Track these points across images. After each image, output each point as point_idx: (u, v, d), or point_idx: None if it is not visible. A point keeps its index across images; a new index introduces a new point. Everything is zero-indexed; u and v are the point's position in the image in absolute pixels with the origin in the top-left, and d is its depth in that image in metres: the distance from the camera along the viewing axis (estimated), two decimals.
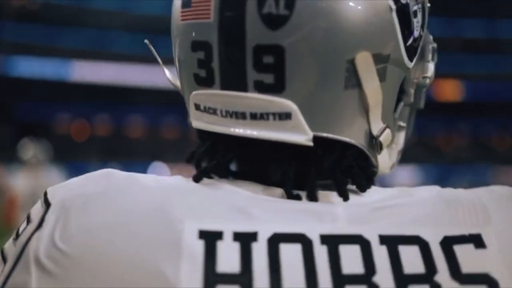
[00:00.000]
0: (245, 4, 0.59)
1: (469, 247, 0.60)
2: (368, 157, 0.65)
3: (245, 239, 0.57)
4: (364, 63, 0.61)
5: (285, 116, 0.60)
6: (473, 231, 0.61)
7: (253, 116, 0.61)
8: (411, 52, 0.66)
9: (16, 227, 0.67)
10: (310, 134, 0.60)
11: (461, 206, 0.63)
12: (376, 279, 0.57)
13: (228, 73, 0.61)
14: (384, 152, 0.67)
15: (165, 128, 25.27)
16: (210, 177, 0.63)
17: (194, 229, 0.57)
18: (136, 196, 0.60)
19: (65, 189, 0.63)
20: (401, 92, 0.68)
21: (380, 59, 0.62)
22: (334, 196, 0.62)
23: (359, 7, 0.60)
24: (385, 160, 0.68)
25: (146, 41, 0.75)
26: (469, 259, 0.59)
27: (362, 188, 0.63)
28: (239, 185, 0.62)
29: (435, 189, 0.66)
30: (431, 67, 0.72)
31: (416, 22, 0.66)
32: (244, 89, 0.61)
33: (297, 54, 0.59)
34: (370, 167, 0.66)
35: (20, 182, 6.53)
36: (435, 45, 0.73)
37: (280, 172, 0.61)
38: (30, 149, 6.82)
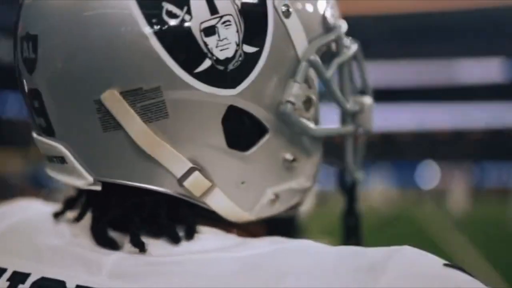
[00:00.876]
0: (16, 48, 0.59)
1: None
2: (191, 203, 0.57)
3: (17, 280, 0.57)
4: (112, 102, 0.53)
5: (62, 159, 0.58)
6: None
7: (51, 159, 0.60)
8: (218, 77, 0.54)
9: None
10: (89, 178, 0.57)
11: (262, 272, 0.51)
12: None
13: (30, 115, 0.61)
14: (218, 196, 0.57)
15: (435, 126, 24.98)
16: None
17: None
18: None
19: None
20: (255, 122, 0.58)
21: (143, 95, 0.53)
22: (156, 245, 0.55)
23: (98, 42, 0.53)
24: (227, 206, 0.57)
25: None
26: None
27: (173, 239, 0.55)
28: (81, 227, 0.61)
29: (278, 248, 0.54)
30: (295, 89, 0.58)
31: (217, 40, 0.53)
32: (39, 132, 0.61)
33: (49, 98, 0.56)
34: (191, 214, 0.57)
35: None
36: (315, 58, 0.59)
37: (94, 216, 0.60)
38: None
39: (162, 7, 0.52)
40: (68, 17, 0.53)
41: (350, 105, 0.66)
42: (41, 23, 0.55)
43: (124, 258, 0.55)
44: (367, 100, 0.68)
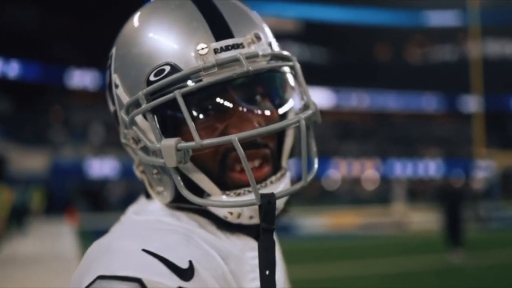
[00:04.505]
0: None
1: None
2: None
3: None
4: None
5: None
6: None
7: None
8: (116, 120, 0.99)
9: None
10: None
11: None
12: None
13: None
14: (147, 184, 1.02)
15: None
16: None
17: None
18: None
19: None
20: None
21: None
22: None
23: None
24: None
25: None
26: None
27: (139, 201, 1.06)
28: None
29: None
30: (121, 133, 0.97)
31: (113, 101, 0.97)
32: None
33: None
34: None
35: None
36: (123, 116, 0.92)
37: None
38: None
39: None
40: None
41: (154, 145, 0.90)
42: None
43: (139, 203, 1.04)
44: (166, 141, 0.87)
